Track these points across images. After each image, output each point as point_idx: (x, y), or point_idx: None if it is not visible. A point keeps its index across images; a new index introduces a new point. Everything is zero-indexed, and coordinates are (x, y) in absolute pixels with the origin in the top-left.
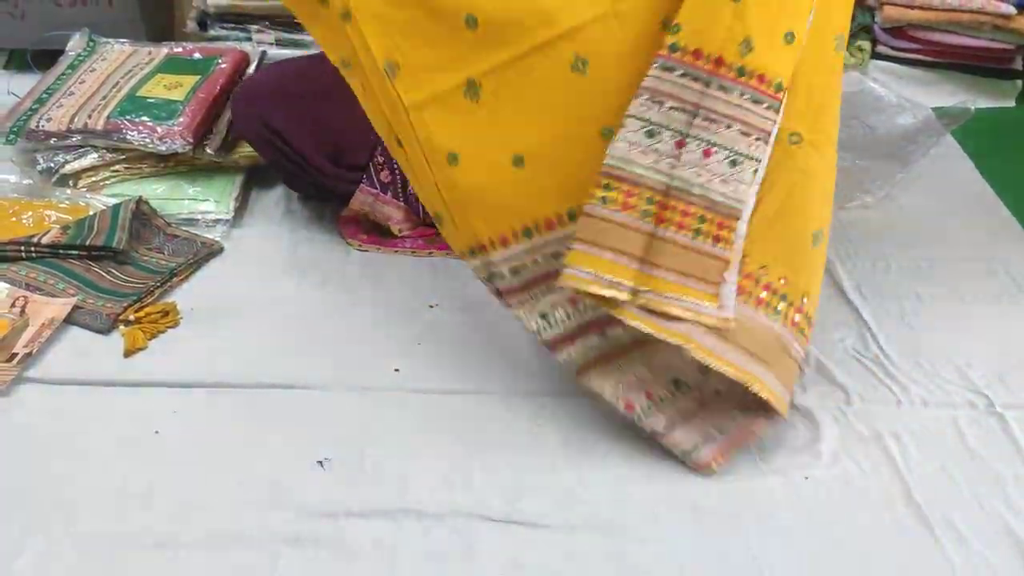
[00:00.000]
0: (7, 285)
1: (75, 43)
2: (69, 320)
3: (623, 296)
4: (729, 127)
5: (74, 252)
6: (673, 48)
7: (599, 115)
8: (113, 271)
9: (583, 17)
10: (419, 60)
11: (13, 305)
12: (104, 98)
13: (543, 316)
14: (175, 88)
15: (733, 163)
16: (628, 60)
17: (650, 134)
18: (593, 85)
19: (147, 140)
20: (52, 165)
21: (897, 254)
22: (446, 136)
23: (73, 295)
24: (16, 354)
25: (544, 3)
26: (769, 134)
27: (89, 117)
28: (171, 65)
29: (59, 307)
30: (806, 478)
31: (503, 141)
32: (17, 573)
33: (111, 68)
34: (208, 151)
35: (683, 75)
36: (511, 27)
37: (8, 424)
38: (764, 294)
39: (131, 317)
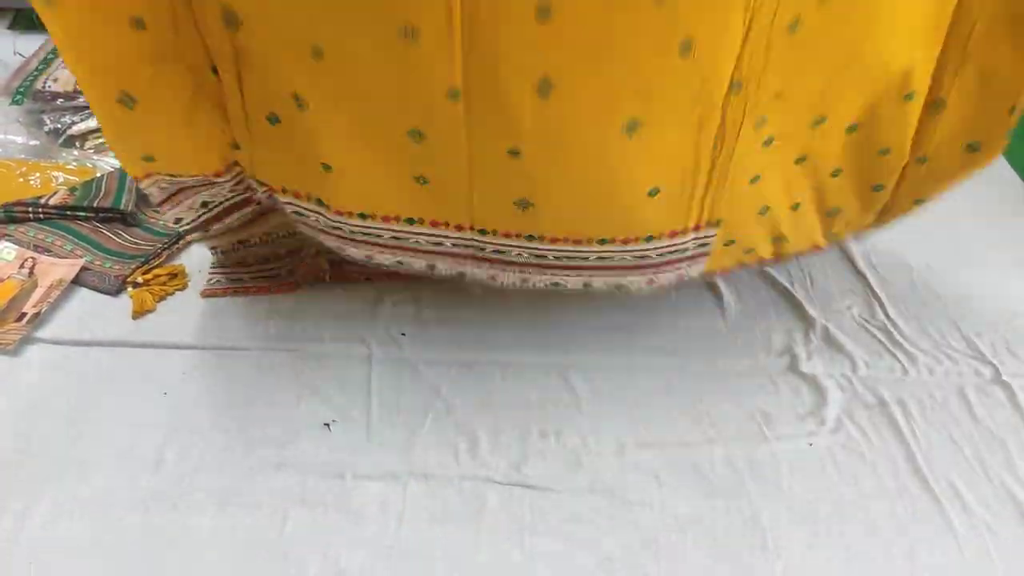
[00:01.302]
0: (15, 246)
1: None
2: (77, 281)
3: None
4: None
5: (82, 214)
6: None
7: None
8: (121, 233)
9: None
10: None
11: (22, 266)
12: None
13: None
14: None
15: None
16: None
17: None
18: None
19: None
20: (59, 126)
21: (907, 222)
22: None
23: (81, 257)
24: (25, 314)
25: None
26: None
27: None
28: None
29: (67, 268)
30: (810, 444)
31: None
32: (27, 531)
33: None
34: None
35: None
36: None
37: (17, 383)
38: None
39: (139, 279)
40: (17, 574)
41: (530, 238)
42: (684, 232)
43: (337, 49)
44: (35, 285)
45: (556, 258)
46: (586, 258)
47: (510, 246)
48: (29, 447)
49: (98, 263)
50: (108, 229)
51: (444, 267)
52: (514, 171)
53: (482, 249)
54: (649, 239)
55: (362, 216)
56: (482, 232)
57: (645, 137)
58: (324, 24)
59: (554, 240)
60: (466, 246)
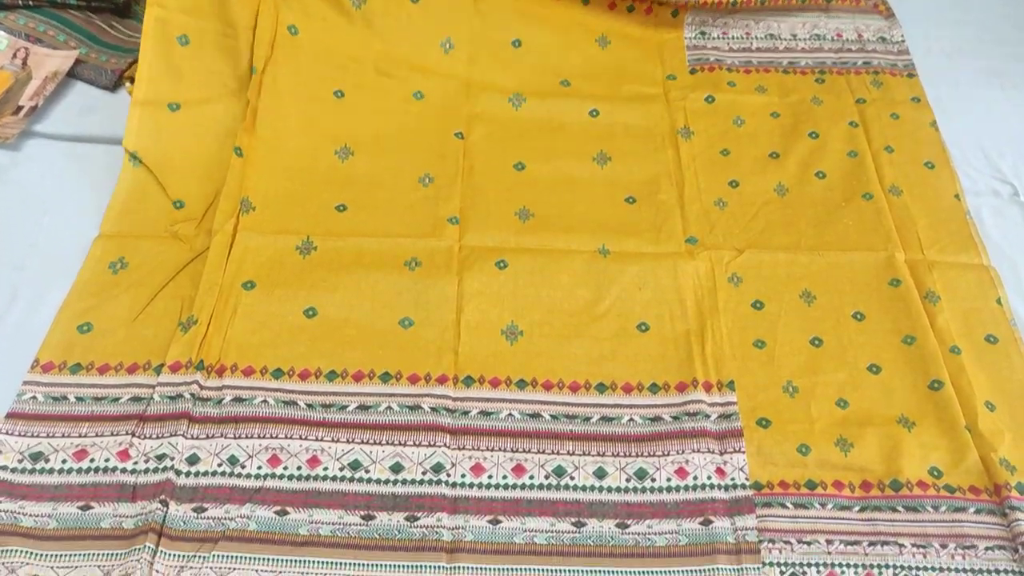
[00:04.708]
0: (6, 35)
1: None
2: (72, 74)
3: None
4: None
5: (73, 2)
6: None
7: None
8: (115, 25)
9: None
10: None
11: (14, 56)
12: None
13: None
14: None
15: None
16: None
17: None
18: None
19: None
20: None
21: (939, 35)
22: None
23: (75, 48)
24: (21, 107)
25: None
26: None
27: None
28: None
29: (61, 60)
30: None
31: None
32: (38, 320)
33: None
34: None
35: None
36: None
37: (18, 177)
38: None
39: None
40: (27, 356)
41: (521, 385)
42: (694, 387)
43: (362, 200)
44: (30, 77)
45: (552, 417)
46: (588, 419)
47: (499, 402)
48: (38, 241)
49: (93, 56)
50: (101, 20)
51: (412, 458)
52: (502, 287)
53: (466, 414)
54: (655, 389)
55: (330, 377)
56: (467, 382)
57: (619, 260)
58: (353, 185)
59: (547, 385)
60: (447, 411)
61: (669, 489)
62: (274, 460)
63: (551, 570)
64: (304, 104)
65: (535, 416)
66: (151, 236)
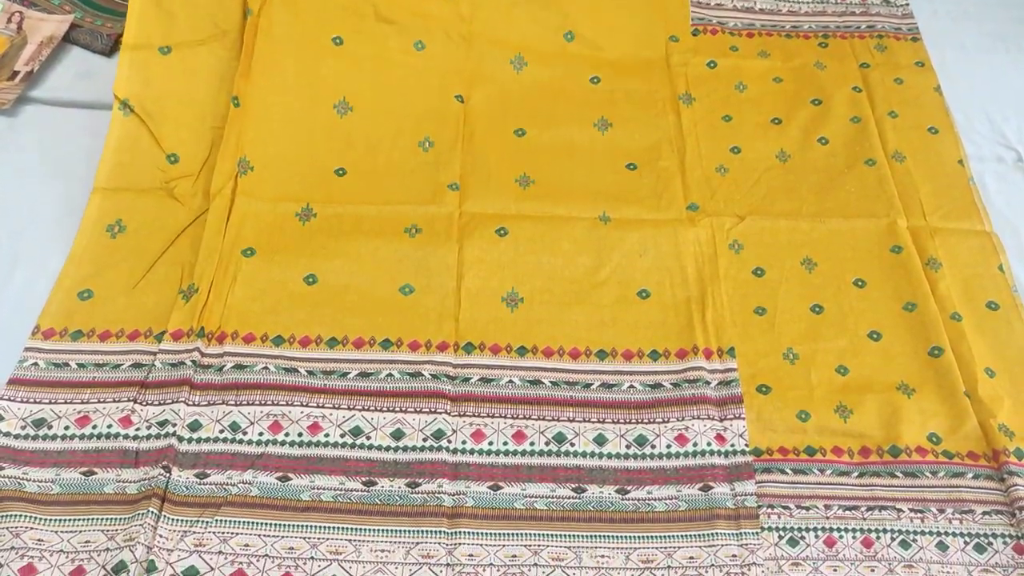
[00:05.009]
0: None
1: None
2: (68, 39)
3: None
4: None
5: None
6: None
7: None
8: None
9: None
10: None
11: (9, 20)
12: None
13: None
14: None
15: None
16: None
17: None
18: None
19: None
20: None
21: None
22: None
23: (70, 12)
24: (17, 72)
25: None
26: None
27: None
28: None
29: (57, 24)
30: None
31: None
32: (40, 286)
33: None
34: None
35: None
36: None
37: (15, 144)
38: None
39: None
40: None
41: (521, 351)
42: (695, 354)
43: (362, 164)
44: (25, 41)
45: (553, 384)
46: (588, 385)
47: (499, 368)
48: (36, 208)
49: (88, 20)
50: None
51: (413, 425)
52: (503, 254)
53: (466, 381)
54: (655, 356)
55: (331, 344)
56: (468, 349)
57: (620, 227)
58: (352, 147)
59: (548, 352)
60: (448, 378)
61: (669, 455)
62: (275, 426)
63: (551, 535)
64: (302, 50)
65: (535, 383)
66: (147, 192)
